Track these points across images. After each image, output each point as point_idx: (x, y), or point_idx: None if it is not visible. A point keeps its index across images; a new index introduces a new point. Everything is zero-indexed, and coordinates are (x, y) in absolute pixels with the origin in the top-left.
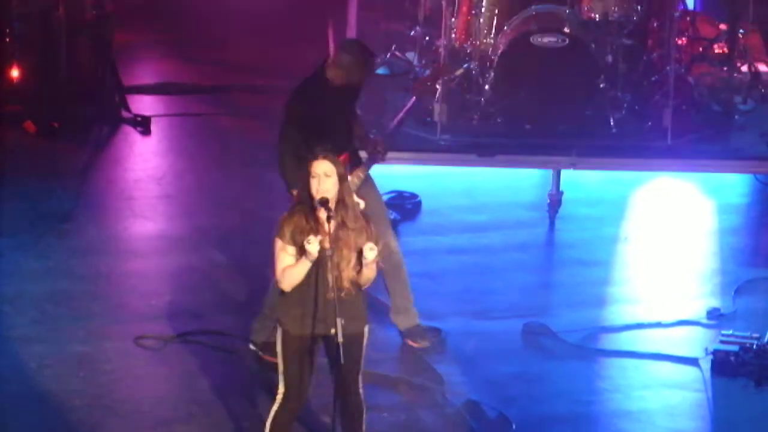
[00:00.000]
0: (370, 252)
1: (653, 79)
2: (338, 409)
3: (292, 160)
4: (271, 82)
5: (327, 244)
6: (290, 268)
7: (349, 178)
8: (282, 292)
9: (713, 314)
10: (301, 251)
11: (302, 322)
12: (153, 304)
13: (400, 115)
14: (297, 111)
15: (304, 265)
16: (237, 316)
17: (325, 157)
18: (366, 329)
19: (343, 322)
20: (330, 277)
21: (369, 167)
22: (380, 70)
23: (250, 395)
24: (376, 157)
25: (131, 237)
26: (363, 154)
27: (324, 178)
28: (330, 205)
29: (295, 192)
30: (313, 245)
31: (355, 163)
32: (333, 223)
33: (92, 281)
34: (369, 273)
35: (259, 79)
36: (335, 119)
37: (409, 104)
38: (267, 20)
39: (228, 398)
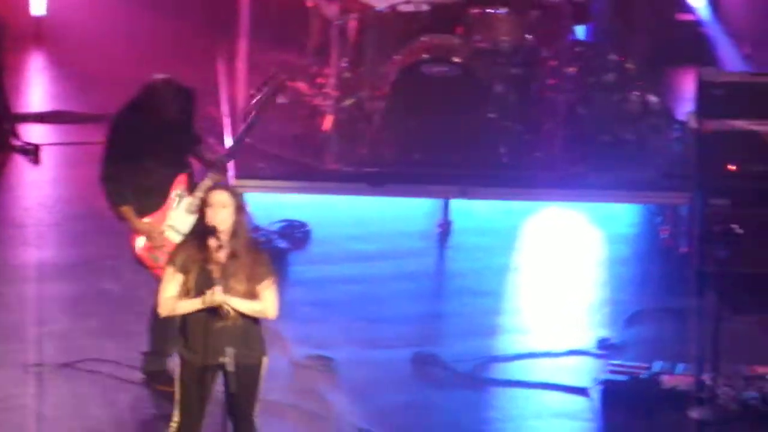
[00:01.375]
0: (211, 296)
1: (544, 108)
2: None
3: (116, 179)
4: None
5: (218, 274)
6: (181, 302)
7: (189, 198)
8: (178, 323)
9: (603, 344)
10: (189, 281)
11: (196, 351)
12: (44, 332)
13: (239, 133)
14: (121, 131)
15: (195, 305)
16: (127, 344)
17: (224, 188)
18: (263, 360)
19: (234, 351)
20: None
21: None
22: None
23: (142, 424)
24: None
25: (21, 264)
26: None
27: (220, 208)
28: (223, 236)
29: (122, 209)
30: (217, 296)
31: (193, 186)
32: (223, 252)
33: None
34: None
35: None
36: (162, 140)
37: (248, 121)
38: (156, 48)
39: (120, 426)
